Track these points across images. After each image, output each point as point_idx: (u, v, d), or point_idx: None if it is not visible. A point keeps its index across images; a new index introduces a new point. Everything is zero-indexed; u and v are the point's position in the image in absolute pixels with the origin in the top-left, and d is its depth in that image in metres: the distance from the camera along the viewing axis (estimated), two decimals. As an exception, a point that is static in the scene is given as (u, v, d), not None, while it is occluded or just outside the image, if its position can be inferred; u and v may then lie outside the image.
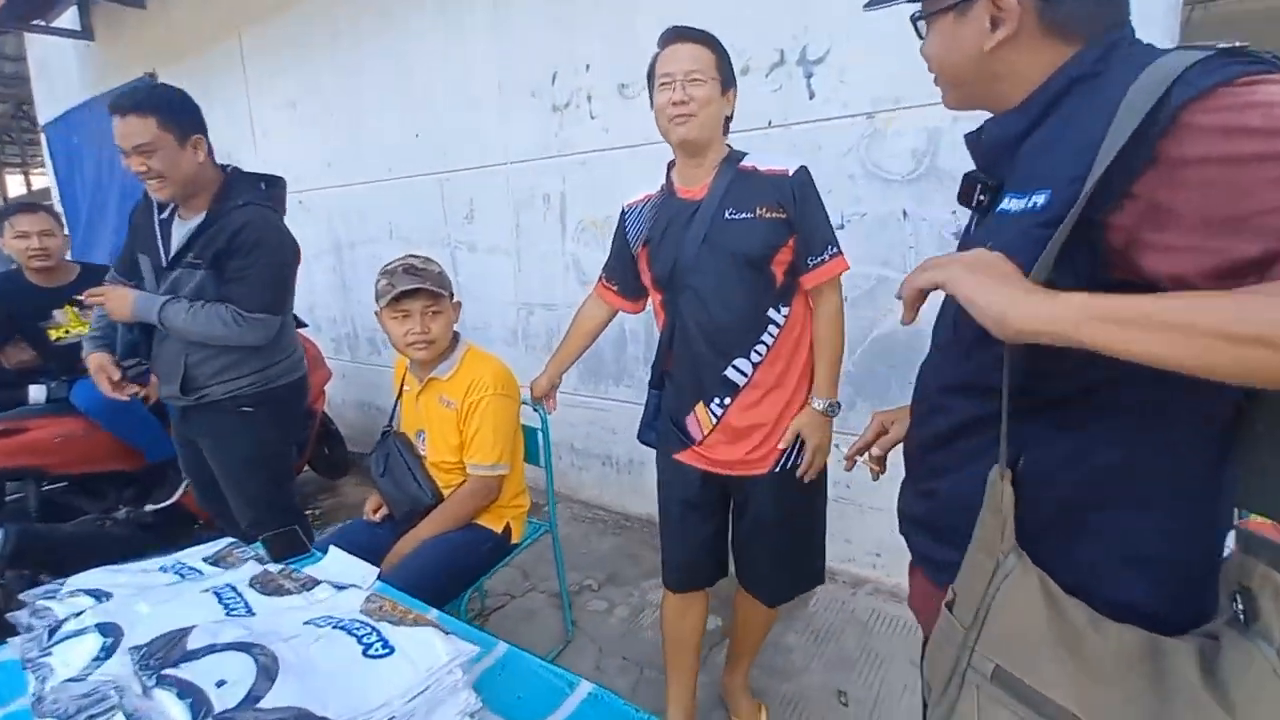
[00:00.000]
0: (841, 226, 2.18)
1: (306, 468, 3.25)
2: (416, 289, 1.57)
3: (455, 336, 1.74)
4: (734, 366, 1.42)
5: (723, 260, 1.37)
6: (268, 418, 1.87)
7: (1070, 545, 0.71)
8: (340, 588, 1.03)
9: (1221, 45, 0.58)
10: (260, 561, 1.16)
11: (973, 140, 0.83)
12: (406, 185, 3.40)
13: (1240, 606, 0.62)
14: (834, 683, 1.93)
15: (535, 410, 1.89)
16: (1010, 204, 0.72)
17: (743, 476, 1.49)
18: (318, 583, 1.03)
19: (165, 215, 1.80)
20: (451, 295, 1.67)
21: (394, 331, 1.62)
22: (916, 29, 0.84)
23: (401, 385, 1.82)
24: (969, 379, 0.80)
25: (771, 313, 1.41)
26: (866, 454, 1.12)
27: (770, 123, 2.28)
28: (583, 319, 1.73)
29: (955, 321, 0.81)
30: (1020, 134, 0.73)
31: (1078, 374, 0.67)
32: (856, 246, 2.13)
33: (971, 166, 0.83)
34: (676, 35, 1.36)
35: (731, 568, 1.64)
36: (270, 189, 1.85)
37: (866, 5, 0.88)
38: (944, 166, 2.02)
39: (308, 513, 3.21)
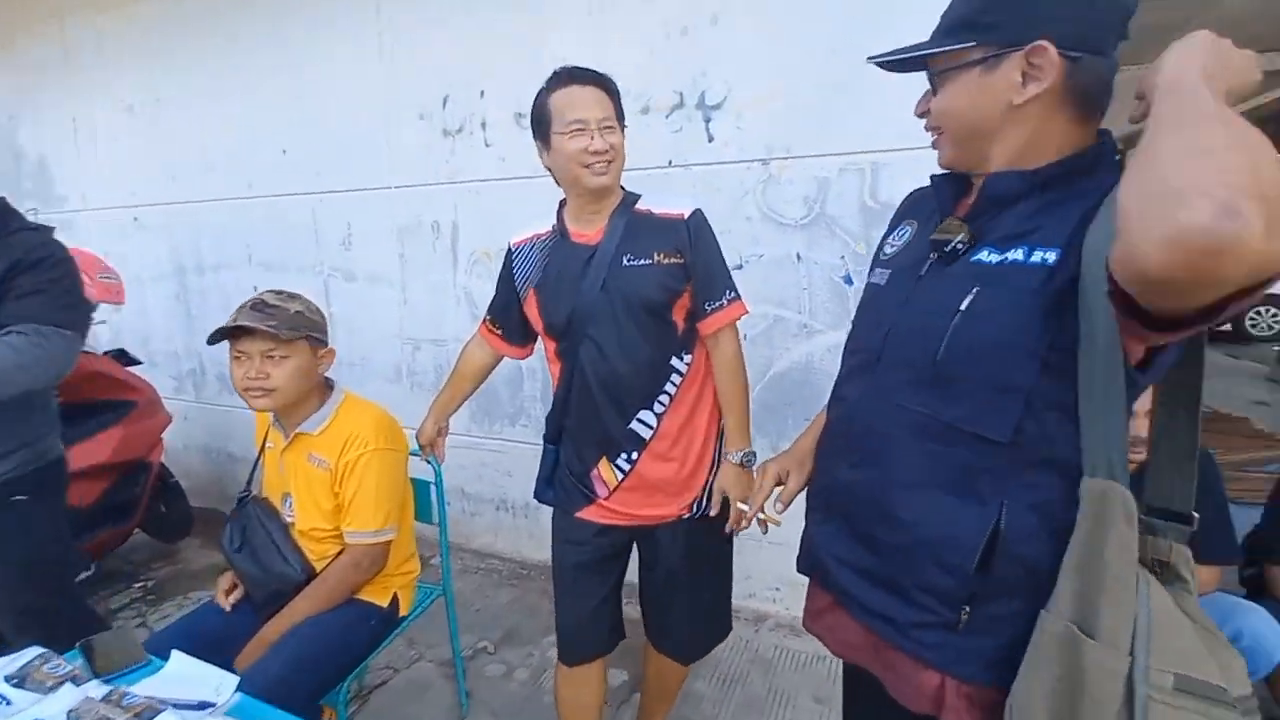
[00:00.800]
0: (740, 267, 2.23)
1: (137, 530, 2.75)
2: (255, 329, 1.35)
3: (328, 385, 1.53)
4: (639, 420, 1.37)
5: (622, 308, 1.31)
6: (45, 506, 1.54)
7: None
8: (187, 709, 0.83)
9: None
10: (77, 682, 0.91)
11: (951, 188, 0.84)
12: (271, 205, 3.05)
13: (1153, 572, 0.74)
14: (745, 729, 1.89)
15: (427, 461, 1.72)
16: (988, 256, 0.75)
17: (653, 526, 1.43)
18: (158, 713, 0.82)
19: None
20: (316, 339, 1.44)
21: (233, 374, 1.40)
22: (931, 82, 0.83)
23: (264, 442, 1.58)
24: (959, 421, 0.77)
25: (674, 361, 1.37)
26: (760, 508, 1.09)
27: (670, 162, 2.30)
28: (468, 361, 1.62)
29: (949, 348, 0.77)
30: (1018, 195, 0.76)
31: None
32: (754, 287, 2.17)
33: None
34: (583, 78, 1.29)
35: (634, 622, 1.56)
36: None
37: (878, 61, 0.84)
38: (832, 214, 2.13)
39: (139, 584, 2.73)
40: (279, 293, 1.44)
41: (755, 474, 1.11)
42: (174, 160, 3.23)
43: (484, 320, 1.58)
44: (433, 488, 1.78)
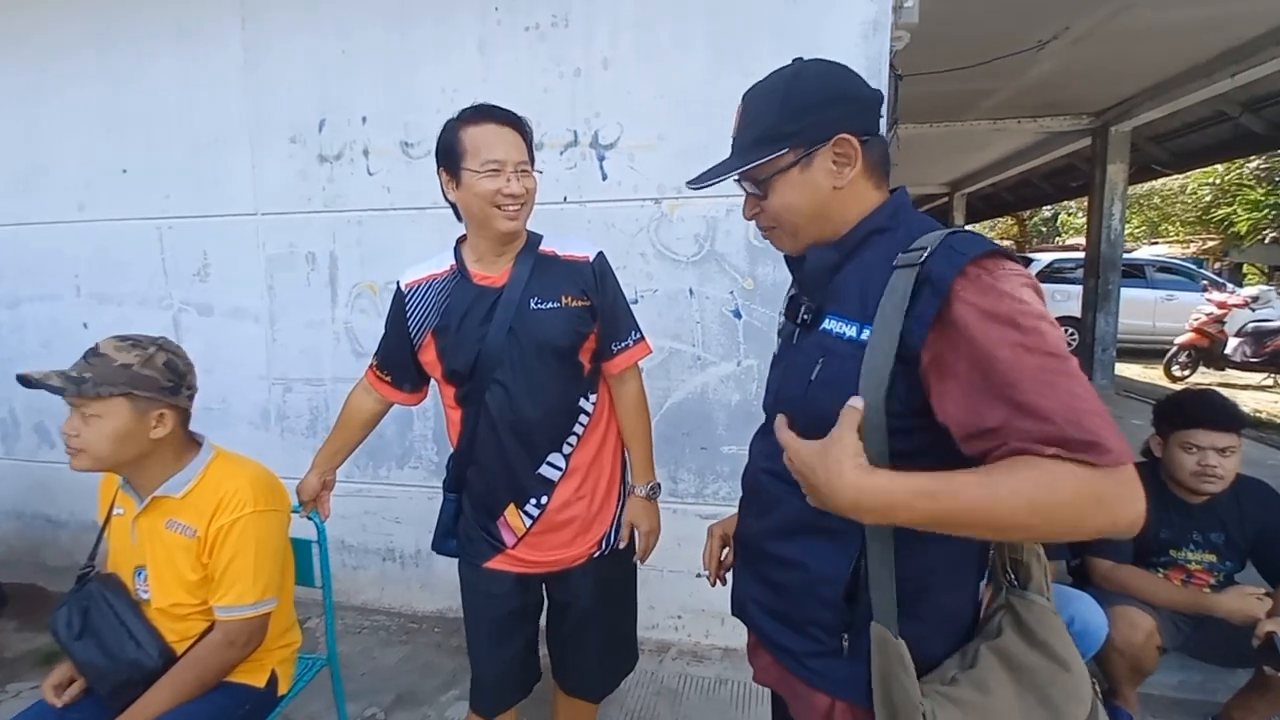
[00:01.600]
0: (636, 301, 2.28)
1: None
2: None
3: (193, 441, 1.36)
4: (548, 463, 1.35)
5: (531, 352, 1.30)
6: None
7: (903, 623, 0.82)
8: None
9: (952, 229, 0.77)
10: None
11: (795, 265, 0.94)
12: (107, 230, 2.69)
13: (1013, 576, 0.87)
14: (657, 766, 1.88)
15: (309, 519, 1.58)
16: (831, 324, 0.84)
17: (565, 570, 1.41)
18: None
19: None
20: (147, 395, 1.24)
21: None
22: (755, 189, 0.89)
23: (110, 508, 1.36)
24: None
25: (582, 402, 1.38)
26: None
27: (565, 198, 2.31)
28: (354, 410, 1.52)
29: (805, 415, 0.83)
30: (832, 267, 0.86)
31: None
32: (650, 321, 2.23)
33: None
34: (501, 118, 1.27)
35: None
36: None
37: (691, 183, 0.92)
38: (721, 251, 2.25)
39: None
40: (123, 340, 1.25)
41: (709, 535, 1.13)
42: (-23, 175, 2.76)
43: (371, 366, 1.48)
44: (315, 546, 1.62)
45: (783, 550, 0.91)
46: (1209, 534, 1.85)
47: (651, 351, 1.48)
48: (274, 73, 2.46)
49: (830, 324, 0.83)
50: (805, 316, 0.88)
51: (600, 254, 1.39)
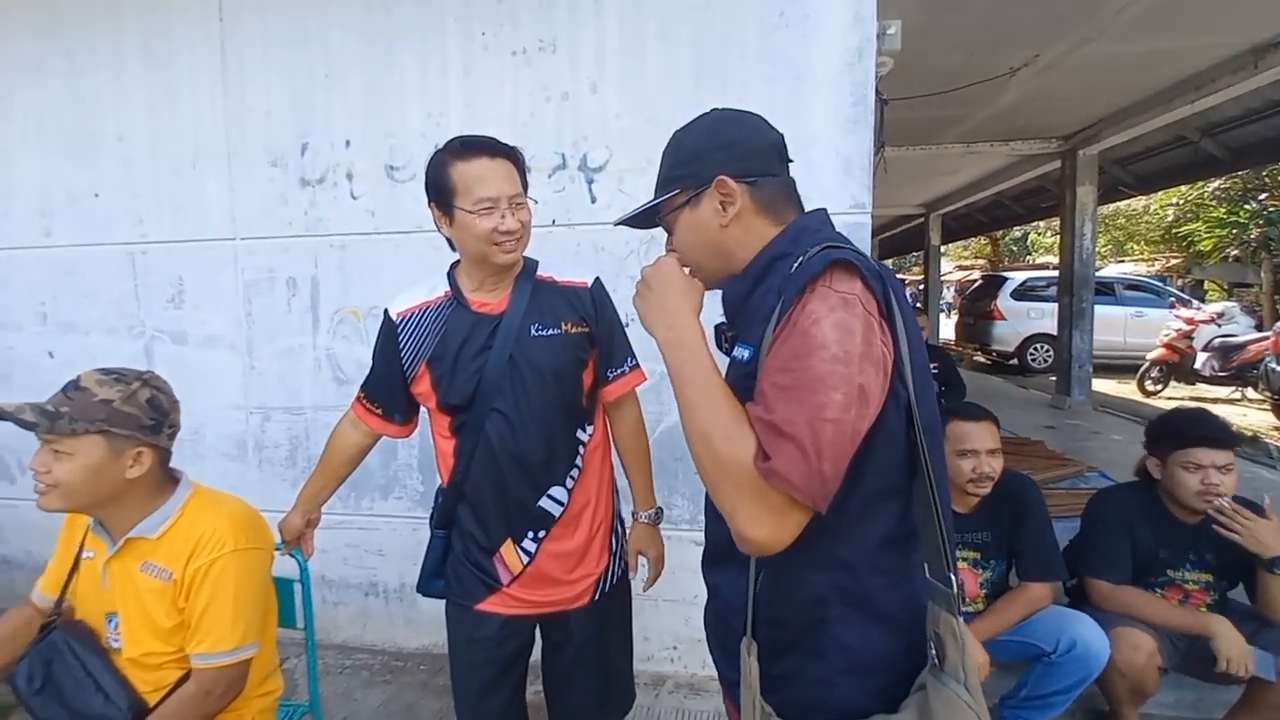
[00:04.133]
0: (627, 325, 2.24)
1: None
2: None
3: (170, 479, 1.28)
4: (549, 496, 1.31)
5: (533, 380, 1.27)
6: None
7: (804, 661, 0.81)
8: None
9: (824, 244, 0.79)
10: None
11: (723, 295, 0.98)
12: (77, 256, 2.60)
13: (933, 651, 0.78)
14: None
15: (291, 556, 1.50)
16: (738, 350, 0.87)
17: (562, 612, 1.36)
18: None
19: None
20: (124, 434, 1.17)
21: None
22: (666, 229, 0.95)
23: (79, 551, 1.28)
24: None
25: (579, 433, 1.35)
26: None
27: (554, 221, 2.29)
28: (341, 444, 1.46)
29: None
30: (743, 295, 0.89)
31: None
32: (641, 345, 2.16)
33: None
34: (493, 150, 1.23)
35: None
36: None
37: (621, 222, 1.00)
38: (711, 274, 2.24)
39: None
40: (107, 373, 1.18)
41: None
42: (-63, 200, 2.66)
43: (358, 398, 1.42)
44: (297, 586, 1.54)
45: (714, 578, 0.95)
46: (1204, 553, 1.85)
47: (647, 379, 1.46)
48: (254, 95, 2.42)
49: (738, 350, 0.87)
50: (725, 344, 0.92)
51: (598, 280, 1.39)
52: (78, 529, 1.30)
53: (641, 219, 0.97)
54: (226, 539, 1.22)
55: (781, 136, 0.92)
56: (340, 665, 2.47)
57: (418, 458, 2.45)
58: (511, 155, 1.25)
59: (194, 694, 1.19)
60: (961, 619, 0.77)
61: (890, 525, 0.80)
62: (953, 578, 0.76)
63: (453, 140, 1.25)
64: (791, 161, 0.94)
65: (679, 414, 0.79)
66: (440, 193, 1.23)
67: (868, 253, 0.91)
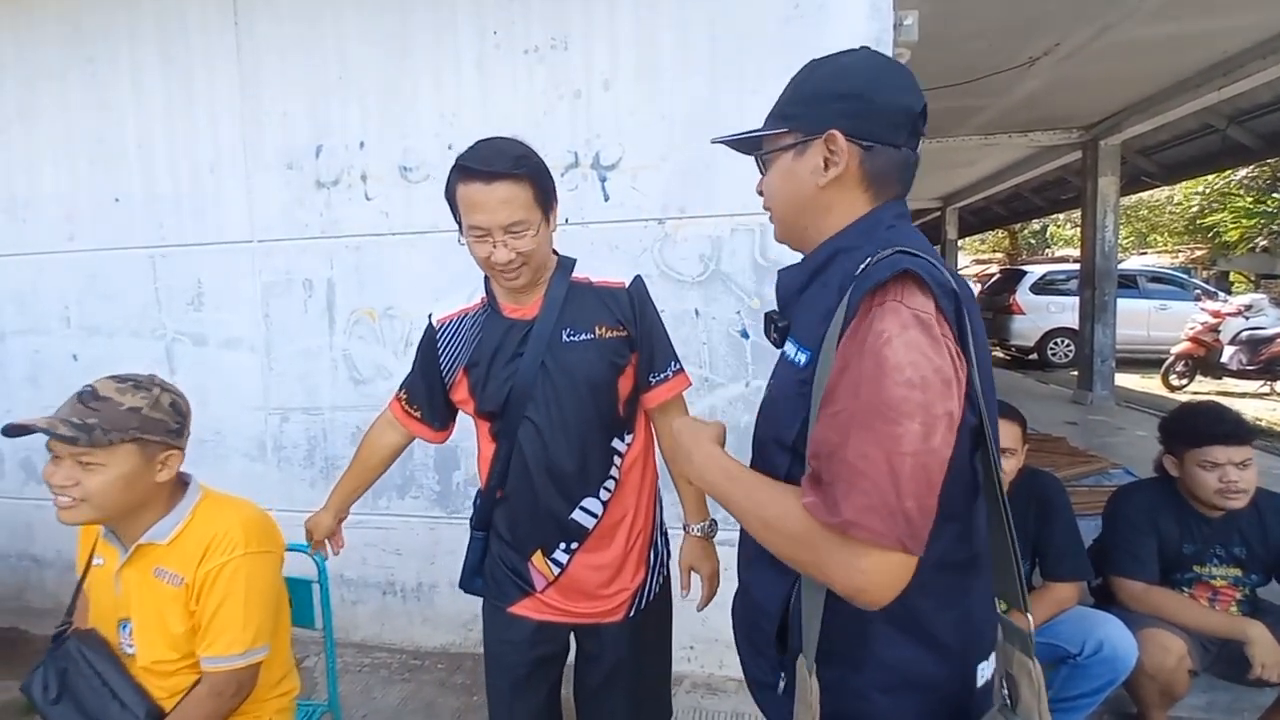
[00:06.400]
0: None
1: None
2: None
3: (180, 483, 1.28)
4: (582, 508, 1.27)
5: (565, 388, 1.23)
6: None
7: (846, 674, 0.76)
8: None
9: (895, 249, 0.70)
10: None
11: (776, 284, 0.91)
12: (100, 260, 2.64)
13: (1006, 691, 0.76)
14: (675, 809, 1.80)
15: (312, 559, 1.51)
16: (789, 347, 0.81)
17: (596, 624, 1.33)
18: None
19: None
20: (152, 441, 1.17)
21: (45, 471, 1.15)
22: (759, 165, 0.89)
23: (90, 558, 1.29)
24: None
25: (616, 443, 1.29)
26: None
27: (567, 220, 2.27)
28: (376, 444, 1.45)
29: (756, 429, 0.87)
30: (799, 287, 0.82)
31: None
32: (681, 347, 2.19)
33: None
34: (486, 174, 1.11)
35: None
36: None
37: (721, 141, 0.91)
38: (726, 271, 2.22)
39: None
40: (122, 380, 1.18)
41: None
42: (-36, 206, 2.71)
43: (398, 399, 1.41)
44: (315, 586, 1.55)
45: (743, 575, 0.91)
46: (1231, 548, 1.80)
47: (691, 384, 1.38)
48: (269, 100, 2.44)
49: (788, 347, 0.81)
50: (774, 335, 0.86)
51: (638, 278, 1.31)
52: (89, 536, 1.31)
53: (742, 144, 0.88)
54: (237, 542, 1.22)
55: (924, 105, 0.79)
56: (359, 663, 2.49)
57: (434, 457, 2.45)
58: (513, 176, 1.12)
59: (205, 695, 1.20)
60: (1038, 662, 0.73)
61: (947, 548, 0.74)
62: (1028, 616, 0.72)
63: (465, 151, 1.17)
64: (924, 137, 0.82)
65: (735, 519, 0.78)
66: (452, 207, 1.20)
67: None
